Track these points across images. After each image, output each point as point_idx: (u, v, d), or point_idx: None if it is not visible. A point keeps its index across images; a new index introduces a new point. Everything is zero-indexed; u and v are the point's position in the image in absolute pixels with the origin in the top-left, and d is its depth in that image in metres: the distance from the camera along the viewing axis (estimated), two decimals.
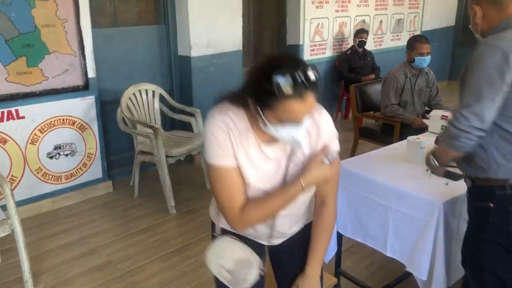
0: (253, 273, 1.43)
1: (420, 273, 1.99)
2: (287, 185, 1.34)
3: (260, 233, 1.49)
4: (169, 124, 4.28)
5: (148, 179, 4.02)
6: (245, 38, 4.71)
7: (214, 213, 1.61)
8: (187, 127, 4.08)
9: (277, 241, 1.54)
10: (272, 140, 1.31)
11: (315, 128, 1.36)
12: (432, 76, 3.80)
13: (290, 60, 1.17)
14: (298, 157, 1.37)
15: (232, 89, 1.36)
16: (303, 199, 1.44)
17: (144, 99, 3.75)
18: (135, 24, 4.01)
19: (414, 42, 3.60)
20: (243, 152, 1.32)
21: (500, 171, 1.60)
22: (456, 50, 7.86)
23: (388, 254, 2.18)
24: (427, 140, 2.40)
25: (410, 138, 2.41)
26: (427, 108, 3.82)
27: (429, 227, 1.95)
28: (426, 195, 1.98)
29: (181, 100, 4.24)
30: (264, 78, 1.14)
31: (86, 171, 3.66)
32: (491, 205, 1.63)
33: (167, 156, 3.41)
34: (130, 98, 3.63)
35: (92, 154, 3.66)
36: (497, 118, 1.55)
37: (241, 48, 4.58)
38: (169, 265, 2.80)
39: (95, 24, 3.55)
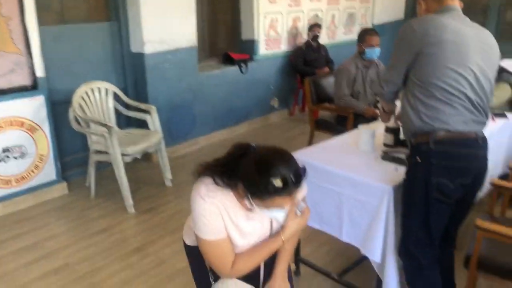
0: None
1: (374, 256, 2.08)
2: (270, 240, 1.56)
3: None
4: (124, 122, 4.20)
5: (104, 178, 3.94)
6: (199, 34, 4.69)
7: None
8: (142, 125, 4.02)
9: None
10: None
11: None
12: (382, 67, 3.93)
13: (283, 161, 1.34)
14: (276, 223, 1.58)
15: (215, 159, 1.48)
16: None
17: (97, 97, 3.66)
18: (85, 21, 3.90)
19: (364, 34, 3.72)
20: (233, 226, 1.49)
21: (423, 129, 1.82)
22: None
23: (343, 239, 2.26)
24: (377, 129, 2.50)
25: (361, 127, 2.49)
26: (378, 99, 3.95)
27: (380, 211, 2.04)
28: (377, 181, 2.06)
29: (135, 97, 4.18)
30: (258, 177, 1.31)
31: (38, 173, 3.53)
32: (419, 159, 1.84)
33: (123, 155, 3.35)
34: (82, 97, 3.53)
35: (44, 156, 3.54)
36: (411, 85, 1.84)
37: (196, 44, 4.56)
38: (129, 264, 2.76)
39: (42, 21, 3.42)
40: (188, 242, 1.70)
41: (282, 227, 1.56)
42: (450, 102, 1.77)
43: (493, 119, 2.95)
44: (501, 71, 3.29)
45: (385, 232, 2.04)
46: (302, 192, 1.56)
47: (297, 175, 1.33)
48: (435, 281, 1.99)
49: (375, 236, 2.07)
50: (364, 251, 2.14)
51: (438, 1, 1.88)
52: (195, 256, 1.64)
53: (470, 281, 2.03)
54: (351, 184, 2.15)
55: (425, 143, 1.82)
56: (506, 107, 3.24)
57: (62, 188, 3.70)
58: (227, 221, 1.47)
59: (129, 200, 3.40)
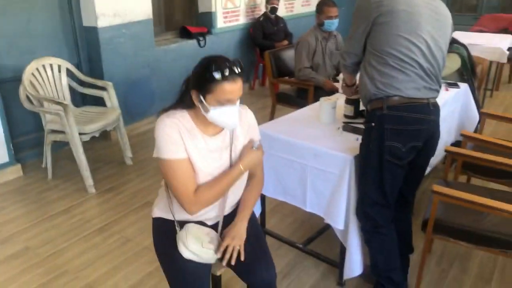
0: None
1: (337, 223, 2.15)
2: (230, 169, 1.67)
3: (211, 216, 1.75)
4: (80, 100, 4.05)
5: (62, 159, 3.82)
6: (154, 7, 4.53)
7: (163, 210, 1.76)
8: (98, 102, 3.89)
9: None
10: (214, 133, 1.66)
11: (245, 125, 1.74)
12: (340, 39, 3.97)
13: (222, 58, 1.54)
14: (237, 148, 1.72)
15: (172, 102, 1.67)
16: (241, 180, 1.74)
17: (49, 74, 3.49)
18: None
19: (322, 5, 3.72)
20: (192, 146, 1.60)
21: (377, 95, 1.90)
22: None
23: (307, 210, 2.32)
24: (338, 101, 2.54)
25: (322, 99, 2.52)
26: (336, 72, 4.01)
27: (342, 180, 2.10)
28: (338, 151, 2.11)
29: (90, 74, 4.02)
30: (205, 70, 1.50)
31: None
32: (373, 124, 1.93)
33: (80, 134, 3.24)
34: (33, 74, 3.36)
35: None
36: (368, 54, 1.93)
37: (151, 17, 4.41)
38: (93, 245, 2.72)
39: None
40: (155, 214, 1.78)
41: (240, 157, 1.70)
42: (403, 69, 1.85)
43: (446, 89, 3.07)
44: (452, 42, 3.41)
45: (348, 200, 2.10)
46: (256, 133, 1.79)
47: (234, 64, 1.52)
48: (390, 240, 2.10)
49: (338, 204, 2.13)
50: (327, 220, 2.21)
51: None
52: (161, 230, 1.74)
53: (427, 243, 2.15)
54: (313, 155, 2.19)
55: (379, 108, 1.90)
56: (456, 77, 3.38)
57: (16, 171, 3.55)
58: (186, 139, 1.59)
59: (89, 180, 3.31)
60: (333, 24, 3.72)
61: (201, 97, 1.54)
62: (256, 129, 1.81)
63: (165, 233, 1.70)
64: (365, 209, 2.04)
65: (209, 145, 1.65)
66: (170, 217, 1.73)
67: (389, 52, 1.84)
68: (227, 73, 1.49)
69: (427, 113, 1.91)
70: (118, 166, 3.77)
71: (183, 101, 1.63)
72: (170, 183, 1.61)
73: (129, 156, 3.77)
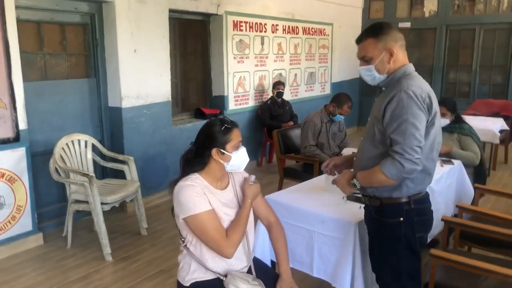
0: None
1: (343, 287, 2.30)
2: (242, 207, 1.98)
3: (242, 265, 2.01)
4: (100, 173, 4.34)
5: (80, 229, 4.01)
6: (172, 90, 4.99)
7: (197, 273, 1.96)
8: (117, 175, 4.19)
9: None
10: (223, 187, 2.01)
11: (240, 179, 2.09)
12: (342, 122, 4.39)
13: (216, 118, 1.99)
14: (240, 195, 2.05)
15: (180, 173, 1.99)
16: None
17: (76, 149, 3.82)
18: (66, 77, 4.13)
19: (344, 103, 4.15)
20: (213, 199, 1.90)
21: (409, 191, 1.96)
22: (362, 99, 8.80)
23: (314, 275, 2.48)
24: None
25: None
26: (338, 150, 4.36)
27: (347, 245, 2.29)
28: (343, 217, 2.33)
29: (111, 149, 4.35)
30: (217, 128, 1.91)
31: (15, 224, 3.58)
32: (401, 219, 1.97)
33: (102, 204, 3.48)
34: (63, 148, 3.69)
35: (21, 207, 3.60)
36: None
37: (170, 99, 4.85)
38: None
39: (25, 77, 3.61)
40: (188, 283, 1.96)
41: (244, 194, 2.00)
42: (430, 169, 2.01)
43: (441, 165, 3.34)
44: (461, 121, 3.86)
45: (353, 263, 2.27)
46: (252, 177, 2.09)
47: (228, 119, 1.96)
48: None
49: (344, 268, 2.29)
50: (334, 284, 2.36)
51: (404, 55, 2.02)
52: None
53: None
54: (320, 221, 2.41)
55: (405, 203, 1.96)
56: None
57: (37, 239, 3.73)
58: (207, 194, 1.89)
59: (107, 248, 3.48)
60: (342, 118, 4.21)
61: (221, 150, 1.90)
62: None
63: None
64: None
65: (223, 197, 1.97)
66: (207, 276, 1.93)
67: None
68: (231, 123, 1.94)
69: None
70: (133, 236, 3.95)
71: (195, 164, 1.93)
72: (205, 235, 1.85)
73: (145, 227, 3.97)
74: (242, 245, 1.97)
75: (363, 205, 2.38)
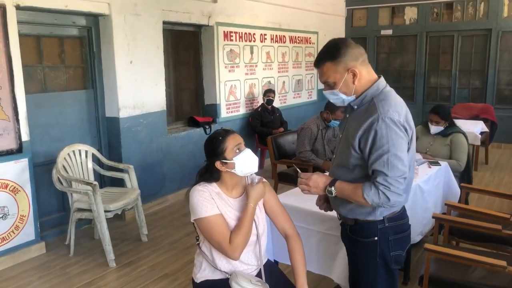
0: None
1: (340, 279, 2.44)
2: (244, 210, 2.00)
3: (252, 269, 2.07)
4: (98, 182, 4.39)
5: (80, 237, 4.09)
6: (166, 99, 5.11)
7: (207, 271, 2.08)
8: (115, 183, 4.29)
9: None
10: (237, 195, 2.06)
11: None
12: (337, 129, 4.60)
13: (215, 131, 2.05)
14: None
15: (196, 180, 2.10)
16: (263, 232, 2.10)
17: (77, 159, 3.92)
18: (64, 89, 4.22)
19: (337, 108, 4.30)
20: (222, 205, 2.00)
21: (383, 213, 1.90)
22: None
23: (315, 272, 2.63)
24: None
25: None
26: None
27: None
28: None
29: (109, 158, 4.44)
30: (212, 142, 2.00)
31: (18, 233, 3.64)
32: (376, 238, 1.91)
33: (105, 211, 3.58)
34: (65, 159, 3.78)
35: (24, 217, 3.67)
36: None
37: (165, 108, 4.98)
38: None
39: (26, 90, 3.69)
40: (200, 279, 2.08)
41: (247, 197, 2.02)
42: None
43: (429, 166, 3.55)
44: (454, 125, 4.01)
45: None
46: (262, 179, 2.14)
47: (224, 128, 2.05)
48: None
49: (341, 262, 2.43)
50: (331, 277, 2.51)
51: (369, 70, 1.89)
52: None
53: None
54: (317, 220, 2.55)
55: (379, 221, 1.89)
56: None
57: (40, 248, 3.80)
58: (216, 200, 1.98)
59: (111, 254, 3.57)
60: (337, 123, 4.40)
61: (223, 160, 1.97)
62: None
63: None
64: None
65: (235, 205, 2.03)
66: (215, 276, 2.05)
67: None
68: (224, 132, 2.01)
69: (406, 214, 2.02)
70: (134, 242, 4.05)
71: (209, 177, 2.03)
72: (211, 237, 1.95)
73: (145, 233, 4.07)
74: (253, 248, 2.05)
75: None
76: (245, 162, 1.98)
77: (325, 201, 2.15)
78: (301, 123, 5.53)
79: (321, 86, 8.28)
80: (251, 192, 2.01)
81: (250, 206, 1.99)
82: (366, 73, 1.87)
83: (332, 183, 1.89)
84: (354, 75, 1.83)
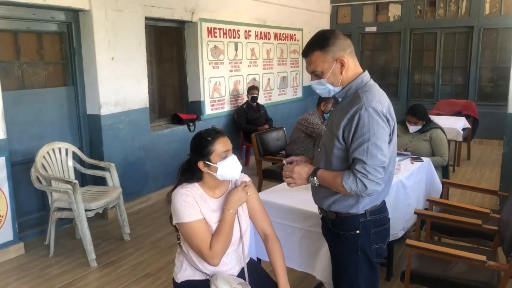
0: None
1: (324, 277, 2.43)
2: (223, 216, 1.96)
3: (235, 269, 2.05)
4: (79, 180, 4.32)
5: (61, 237, 4.01)
6: (149, 96, 5.05)
7: (189, 271, 2.04)
8: (97, 182, 4.22)
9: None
10: (220, 194, 2.02)
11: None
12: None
13: (205, 130, 1.97)
14: None
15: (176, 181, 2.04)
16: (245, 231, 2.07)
17: (57, 157, 3.84)
18: (43, 86, 4.13)
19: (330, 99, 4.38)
20: (205, 207, 1.95)
21: (366, 207, 1.91)
22: None
23: (298, 269, 2.62)
24: None
25: None
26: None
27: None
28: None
29: (90, 156, 4.36)
30: (200, 140, 1.94)
31: None
32: (358, 231, 1.92)
33: (86, 210, 3.51)
34: (44, 157, 3.70)
35: (2, 217, 3.59)
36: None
37: (147, 105, 4.91)
38: None
39: (2, 87, 3.60)
40: (181, 279, 2.04)
41: (226, 202, 1.97)
42: (388, 181, 1.95)
43: (412, 162, 3.56)
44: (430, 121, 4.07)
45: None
46: (246, 178, 2.13)
47: (214, 126, 2.00)
48: None
49: (322, 259, 2.42)
50: (313, 273, 2.49)
51: (355, 63, 1.92)
52: None
53: None
54: (300, 217, 2.54)
55: (360, 215, 1.91)
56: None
57: (18, 248, 3.72)
58: (200, 203, 1.93)
59: (92, 254, 3.51)
60: None
61: (206, 162, 1.91)
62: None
63: None
64: None
65: (215, 204, 1.98)
66: (196, 276, 2.01)
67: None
68: (214, 133, 1.93)
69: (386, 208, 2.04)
70: (116, 241, 3.99)
71: (190, 176, 1.97)
72: (192, 243, 1.91)
73: (127, 232, 4.01)
74: (235, 248, 2.02)
75: None
76: (228, 168, 1.94)
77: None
78: (286, 120, 5.56)
79: (307, 82, 8.35)
80: (230, 198, 1.97)
81: (227, 213, 1.94)
82: (353, 65, 1.90)
83: (313, 173, 1.92)
84: (342, 65, 1.86)
